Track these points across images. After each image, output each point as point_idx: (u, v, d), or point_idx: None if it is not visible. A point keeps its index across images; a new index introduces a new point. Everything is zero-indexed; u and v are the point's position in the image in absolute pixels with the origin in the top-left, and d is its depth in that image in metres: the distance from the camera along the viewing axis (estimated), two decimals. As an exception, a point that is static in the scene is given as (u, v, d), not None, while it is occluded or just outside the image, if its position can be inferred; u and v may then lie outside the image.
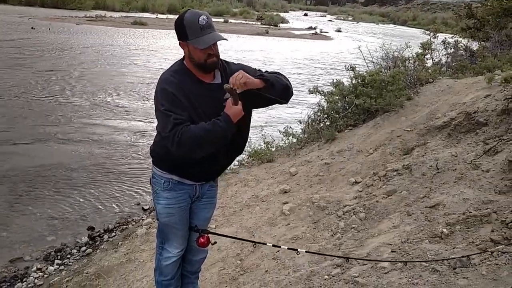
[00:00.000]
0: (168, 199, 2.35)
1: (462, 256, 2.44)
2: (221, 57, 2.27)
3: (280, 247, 2.67)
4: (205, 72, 2.22)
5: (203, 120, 2.13)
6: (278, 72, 2.35)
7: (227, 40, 2.20)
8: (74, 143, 7.68)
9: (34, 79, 11.95)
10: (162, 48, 20.04)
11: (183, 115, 2.08)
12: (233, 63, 2.42)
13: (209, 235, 2.45)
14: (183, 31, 2.13)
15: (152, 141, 2.44)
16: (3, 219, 5.09)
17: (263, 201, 4.60)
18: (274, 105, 2.45)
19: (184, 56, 2.25)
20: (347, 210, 3.68)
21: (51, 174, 6.35)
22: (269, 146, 6.42)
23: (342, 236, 3.36)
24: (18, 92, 10.45)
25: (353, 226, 3.42)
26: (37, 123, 8.51)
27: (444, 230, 2.78)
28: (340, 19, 74.31)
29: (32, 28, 22.34)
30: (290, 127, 6.49)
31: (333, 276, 2.78)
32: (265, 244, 2.87)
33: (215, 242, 2.55)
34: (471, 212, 2.83)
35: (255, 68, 2.41)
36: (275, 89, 2.21)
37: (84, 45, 18.84)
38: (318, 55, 23.49)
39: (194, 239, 2.45)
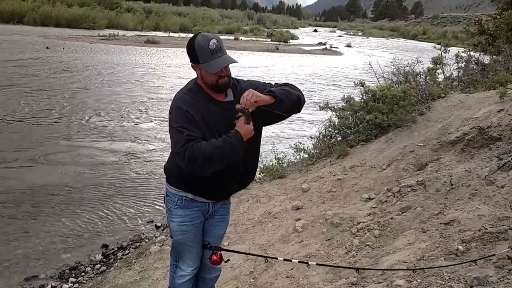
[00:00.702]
0: (182, 216, 2.38)
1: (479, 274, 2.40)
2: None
3: (291, 260, 2.66)
4: (218, 92, 2.28)
5: (216, 138, 2.16)
6: (288, 84, 2.36)
7: (237, 62, 2.24)
8: (85, 162, 7.75)
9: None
10: (165, 66, 20.33)
11: (196, 132, 2.13)
12: (243, 80, 2.46)
13: (222, 252, 2.46)
14: (195, 55, 2.19)
15: (166, 160, 2.48)
16: (19, 237, 5.13)
17: (275, 217, 4.59)
18: (284, 121, 2.45)
19: (197, 76, 2.31)
20: (361, 227, 3.65)
21: (65, 192, 6.40)
22: (280, 162, 6.42)
23: (356, 254, 3.33)
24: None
25: (368, 243, 3.40)
26: (42, 143, 8.62)
27: (460, 247, 2.75)
28: (350, 34, 74.69)
29: (47, 47, 22.84)
30: (301, 143, 6.50)
31: (348, 294, 2.76)
32: (276, 258, 2.84)
33: (228, 260, 2.55)
34: (486, 229, 2.80)
35: (265, 82, 2.45)
36: (285, 104, 2.23)
37: (91, 64, 19.06)
38: (327, 70, 23.58)
39: (207, 256, 2.46)
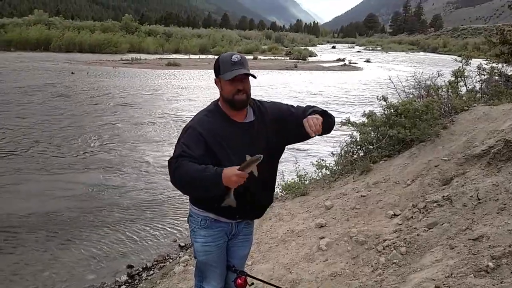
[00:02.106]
0: (205, 237, 2.39)
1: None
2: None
3: None
4: (235, 109, 2.29)
5: (231, 159, 2.17)
6: (325, 111, 2.36)
7: (255, 77, 2.27)
8: (108, 184, 7.88)
9: (58, 126, 12.44)
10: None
11: (195, 153, 2.14)
12: (266, 101, 2.49)
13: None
14: (217, 67, 2.28)
15: None
16: (44, 259, 5.22)
17: (299, 236, 4.55)
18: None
19: (219, 97, 2.35)
20: (387, 244, 3.58)
21: (88, 214, 6.51)
22: (302, 179, 6.39)
23: (383, 272, 3.26)
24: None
25: (394, 261, 3.33)
26: (65, 164, 8.82)
27: (490, 263, 2.66)
28: (369, 50, 74.58)
29: (72, 73, 23.53)
30: (323, 160, 6.46)
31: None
32: None
33: (253, 283, 2.54)
34: (518, 245, 2.71)
35: (287, 104, 2.48)
36: (324, 130, 2.25)
37: (116, 86, 19.57)
38: (347, 85, 23.53)
39: (231, 279, 2.46)
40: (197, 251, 2.44)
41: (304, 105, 2.47)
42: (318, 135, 2.25)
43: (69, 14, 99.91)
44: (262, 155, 2.08)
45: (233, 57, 2.23)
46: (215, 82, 2.34)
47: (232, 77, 2.19)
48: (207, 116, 2.29)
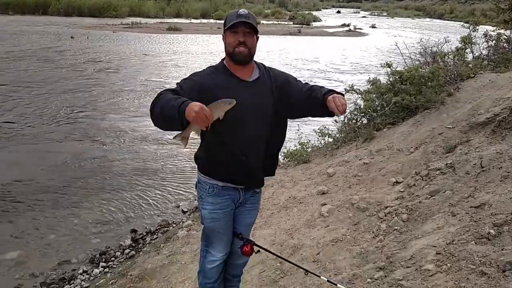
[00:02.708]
0: (213, 204, 2.39)
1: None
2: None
3: (336, 284, 2.54)
4: (236, 63, 2.28)
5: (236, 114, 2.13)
6: (340, 93, 2.32)
7: (257, 31, 2.27)
8: (112, 148, 7.91)
9: (65, 94, 12.32)
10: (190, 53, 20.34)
11: (186, 96, 2.04)
12: (277, 69, 2.48)
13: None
14: (224, 22, 2.28)
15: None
16: (50, 223, 5.30)
17: (300, 202, 4.58)
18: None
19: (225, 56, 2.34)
20: (389, 211, 3.60)
21: (92, 180, 6.57)
22: (304, 146, 6.37)
23: (384, 238, 3.30)
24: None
25: (396, 227, 3.35)
26: (71, 130, 8.82)
27: (491, 231, 2.68)
28: (374, 15, 73.05)
29: (71, 37, 23.18)
30: (325, 127, 6.41)
31: (376, 279, 2.74)
32: (319, 276, 2.63)
33: (259, 251, 2.56)
34: (520, 212, 2.72)
35: (295, 77, 2.48)
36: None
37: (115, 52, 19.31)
38: (351, 51, 23.18)
39: (238, 245, 2.49)
40: (205, 217, 2.44)
41: (305, 81, 2.50)
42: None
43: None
44: (234, 100, 2.01)
45: (240, 10, 2.24)
46: (222, 38, 2.33)
47: (233, 23, 2.19)
48: (211, 71, 2.31)
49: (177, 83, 2.21)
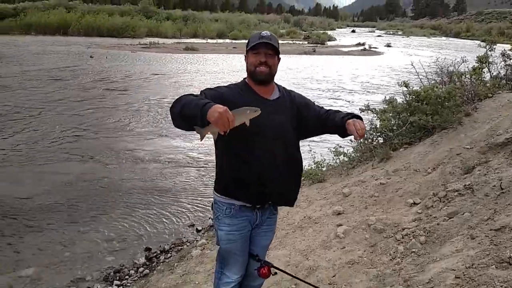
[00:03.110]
0: (230, 225, 2.38)
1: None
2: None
3: None
4: (257, 82, 2.34)
5: (247, 129, 2.12)
6: (358, 116, 2.36)
7: (279, 52, 2.35)
8: (128, 167, 7.97)
9: (86, 111, 12.52)
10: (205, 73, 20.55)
11: (208, 99, 2.06)
12: (296, 92, 2.55)
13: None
14: (247, 43, 2.35)
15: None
16: (65, 240, 5.33)
17: (316, 222, 4.53)
18: None
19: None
20: (406, 233, 3.53)
21: (107, 197, 6.60)
22: (319, 165, 6.34)
23: (401, 261, 3.23)
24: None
25: (413, 250, 3.28)
26: (88, 148, 8.94)
27: (513, 255, 2.61)
28: (390, 34, 73.24)
29: (91, 57, 23.73)
30: (340, 146, 6.38)
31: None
32: None
33: (276, 273, 2.54)
34: (542, 236, 2.64)
35: (313, 101, 2.57)
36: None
37: (135, 72, 19.64)
38: (366, 70, 23.19)
39: (254, 267, 2.47)
40: (221, 239, 2.43)
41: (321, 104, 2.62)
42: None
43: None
44: (259, 109, 2.04)
45: (262, 32, 2.34)
46: (245, 59, 2.39)
47: (254, 44, 2.27)
48: (234, 87, 2.37)
49: (201, 91, 2.25)
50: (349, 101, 14.54)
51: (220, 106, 1.89)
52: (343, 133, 2.29)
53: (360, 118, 2.28)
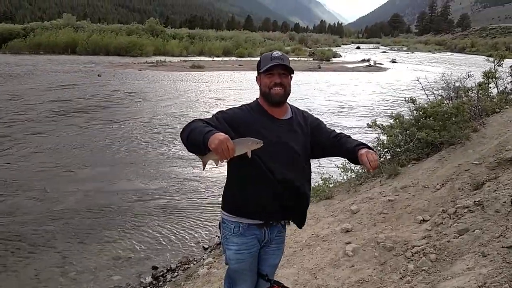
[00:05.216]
0: (239, 245, 2.36)
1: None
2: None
3: None
4: (271, 104, 2.32)
5: (259, 152, 2.14)
6: (368, 146, 2.36)
7: (292, 71, 2.35)
8: (134, 186, 7.97)
9: (99, 129, 12.62)
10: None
11: (218, 127, 2.10)
12: (309, 113, 2.55)
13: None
14: (258, 64, 2.35)
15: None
16: (70, 258, 5.31)
17: (324, 240, 4.48)
18: None
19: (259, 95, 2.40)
20: (416, 251, 3.48)
21: (114, 214, 6.59)
22: (327, 182, 6.30)
23: (412, 279, 3.17)
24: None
25: (424, 268, 3.23)
26: (95, 163, 8.96)
27: (527, 273, 2.55)
28: (394, 50, 73.54)
29: (98, 75, 24.01)
30: (348, 162, 6.34)
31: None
32: None
33: None
34: (556, 254, 2.58)
35: (325, 124, 2.57)
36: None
37: (141, 91, 19.79)
38: (372, 86, 23.22)
39: (264, 287, 2.43)
40: (229, 258, 2.40)
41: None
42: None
43: (96, 17, 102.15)
44: (262, 142, 2.04)
45: (273, 53, 2.32)
46: (256, 80, 2.39)
47: (268, 67, 2.25)
48: (246, 108, 2.35)
49: (213, 115, 2.26)
50: (354, 116, 14.54)
51: (222, 134, 1.90)
52: (355, 161, 2.30)
53: (374, 150, 2.28)
